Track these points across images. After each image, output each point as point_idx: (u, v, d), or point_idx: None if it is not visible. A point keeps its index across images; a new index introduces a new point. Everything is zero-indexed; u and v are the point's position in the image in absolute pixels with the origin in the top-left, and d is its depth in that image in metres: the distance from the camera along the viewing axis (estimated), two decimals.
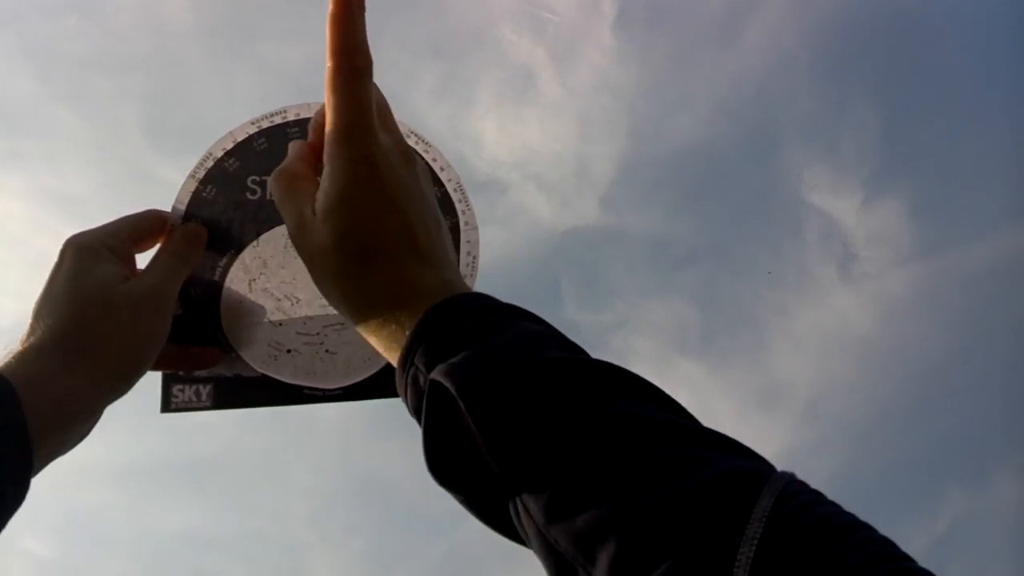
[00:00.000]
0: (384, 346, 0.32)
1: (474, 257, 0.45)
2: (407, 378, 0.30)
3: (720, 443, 0.26)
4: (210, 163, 0.40)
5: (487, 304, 0.31)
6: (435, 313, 0.30)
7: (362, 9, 0.32)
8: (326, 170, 0.32)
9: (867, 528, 0.22)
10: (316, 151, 0.35)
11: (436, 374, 0.28)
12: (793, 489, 0.23)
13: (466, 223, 0.45)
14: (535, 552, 0.26)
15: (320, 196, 0.32)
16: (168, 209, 0.40)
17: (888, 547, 0.21)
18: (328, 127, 0.32)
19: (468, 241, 0.45)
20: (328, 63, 0.32)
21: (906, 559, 0.21)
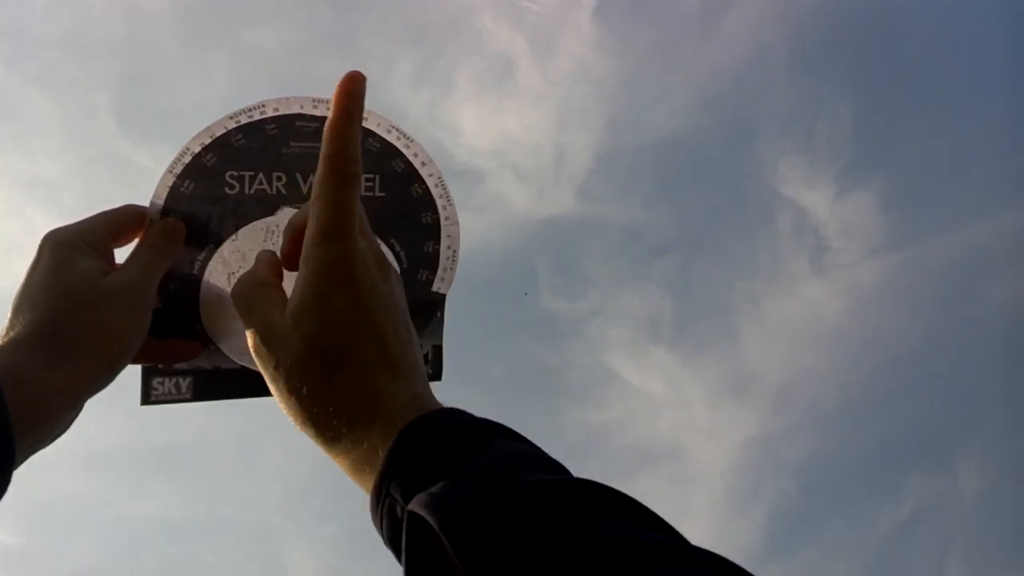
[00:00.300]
0: (354, 469, 0.31)
1: (454, 251, 0.45)
2: (382, 508, 0.29)
3: (714, 565, 0.25)
4: (188, 158, 0.40)
5: (462, 421, 0.31)
6: (408, 435, 0.30)
7: (360, 120, 0.33)
8: (302, 271, 0.32)
9: None
10: (287, 259, 0.36)
11: (415, 506, 0.27)
12: None
13: (447, 218, 0.45)
14: None
15: (294, 297, 0.32)
16: (144, 203, 0.40)
17: None
18: (311, 228, 0.33)
19: (449, 236, 0.45)
20: (320, 167, 0.33)
21: None
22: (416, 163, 0.43)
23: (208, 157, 0.40)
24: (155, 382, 0.42)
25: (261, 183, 0.41)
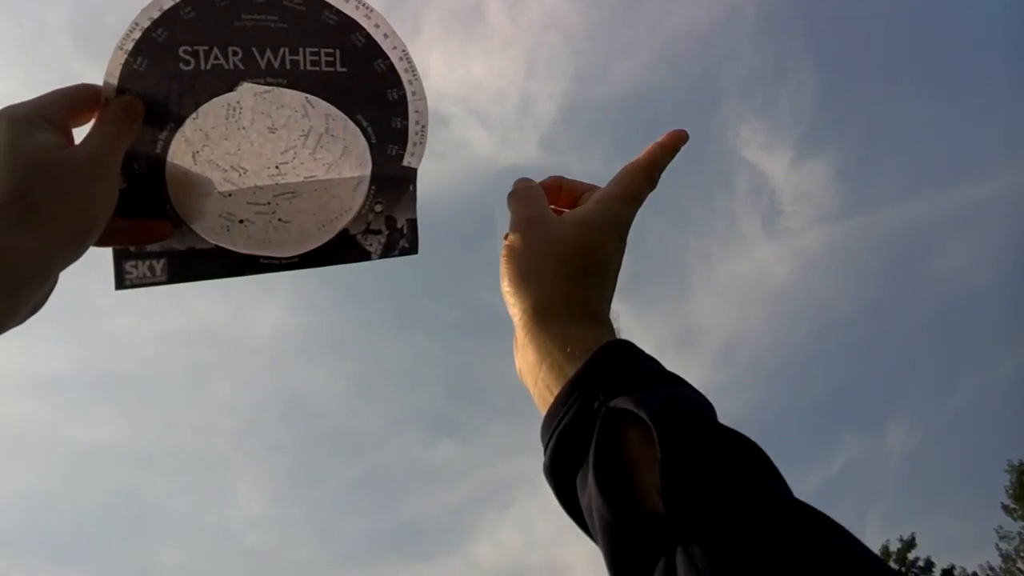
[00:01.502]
0: (541, 355, 0.36)
1: (423, 126, 0.45)
2: (575, 400, 0.32)
3: (857, 541, 0.27)
4: (137, 33, 0.38)
5: (650, 356, 0.35)
6: (612, 350, 0.34)
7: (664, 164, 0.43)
8: (605, 208, 0.40)
9: None
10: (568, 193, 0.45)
11: (624, 402, 0.30)
12: None
13: (413, 93, 0.44)
14: None
15: (592, 214, 0.40)
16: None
17: None
18: (626, 187, 0.41)
19: (417, 111, 0.45)
20: (646, 162, 0.42)
21: None
22: (378, 36, 0.43)
23: (159, 32, 0.38)
24: (128, 265, 0.41)
25: (217, 58, 0.40)
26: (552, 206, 0.43)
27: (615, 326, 0.38)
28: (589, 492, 0.30)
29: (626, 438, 0.30)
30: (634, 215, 0.41)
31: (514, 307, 0.38)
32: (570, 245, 0.38)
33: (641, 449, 0.29)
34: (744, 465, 0.29)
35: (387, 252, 0.47)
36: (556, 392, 0.34)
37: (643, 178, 0.42)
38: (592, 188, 0.43)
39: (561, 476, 0.32)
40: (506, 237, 0.41)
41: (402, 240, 0.47)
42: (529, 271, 0.38)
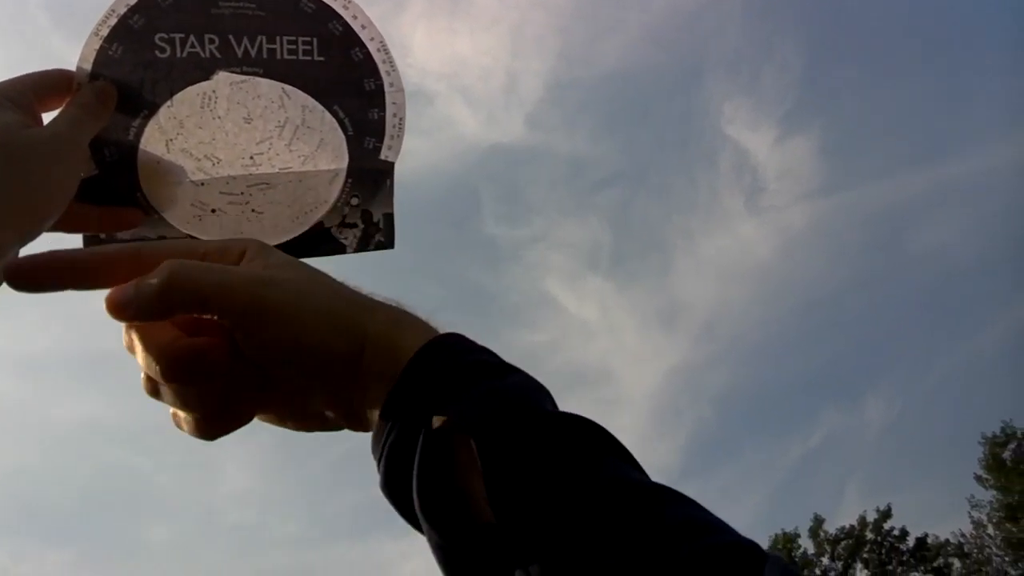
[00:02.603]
0: (359, 375, 0.30)
1: (400, 119, 0.44)
2: (395, 417, 0.29)
3: (700, 507, 0.27)
4: (113, 20, 0.38)
5: (473, 345, 0.31)
6: (428, 352, 0.30)
7: None
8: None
9: None
10: None
11: (441, 414, 0.28)
12: (793, 569, 0.25)
13: (391, 84, 0.44)
14: None
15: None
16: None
17: None
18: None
19: (394, 103, 0.44)
20: None
21: None
22: (356, 26, 0.42)
23: (135, 19, 0.38)
24: None
25: (193, 46, 0.39)
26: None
27: (394, 303, 0.33)
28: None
29: (455, 448, 0.28)
30: None
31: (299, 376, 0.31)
32: (301, 282, 0.32)
33: (468, 458, 0.27)
34: (576, 451, 0.27)
35: (362, 246, 0.47)
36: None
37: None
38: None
39: (400, 498, 0.29)
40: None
41: (378, 234, 0.47)
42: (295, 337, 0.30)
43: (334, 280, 0.33)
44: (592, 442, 0.28)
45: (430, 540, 0.28)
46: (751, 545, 0.25)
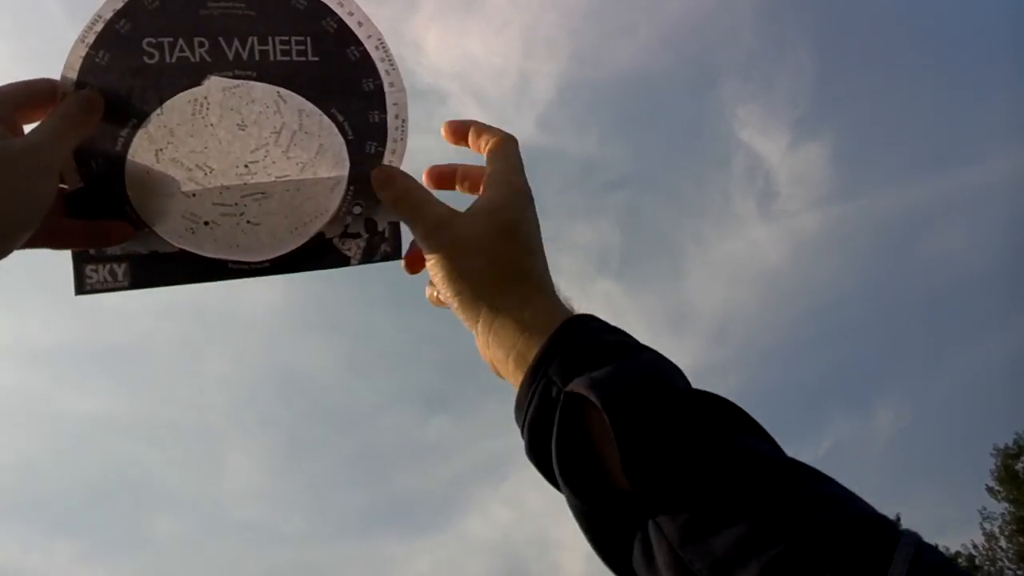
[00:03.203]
0: (503, 345, 0.35)
1: (403, 120, 0.42)
2: (536, 387, 0.31)
3: (835, 482, 0.27)
4: (100, 26, 0.36)
5: (609, 325, 0.34)
6: (571, 327, 0.32)
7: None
8: (503, 184, 0.39)
9: None
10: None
11: (576, 386, 0.30)
12: (928, 545, 0.24)
13: (391, 84, 0.42)
14: (661, 571, 0.27)
15: (495, 198, 0.39)
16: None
17: None
18: (507, 162, 0.41)
19: (395, 104, 0.42)
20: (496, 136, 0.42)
21: None
22: (351, 23, 0.40)
23: (122, 24, 0.37)
24: (88, 269, 0.39)
25: (182, 50, 0.38)
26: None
27: (563, 296, 0.37)
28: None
29: (589, 420, 0.29)
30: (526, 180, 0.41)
31: (463, 312, 0.37)
32: (494, 234, 0.37)
33: (603, 429, 0.28)
34: (707, 426, 0.28)
35: (367, 258, 0.44)
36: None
37: (513, 146, 0.42)
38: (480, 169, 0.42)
39: (544, 463, 0.31)
40: (416, 244, 0.41)
41: (384, 245, 0.44)
42: (463, 274, 0.37)
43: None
44: (723, 416, 0.29)
45: (570, 503, 0.30)
46: (885, 519, 0.25)
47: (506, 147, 0.41)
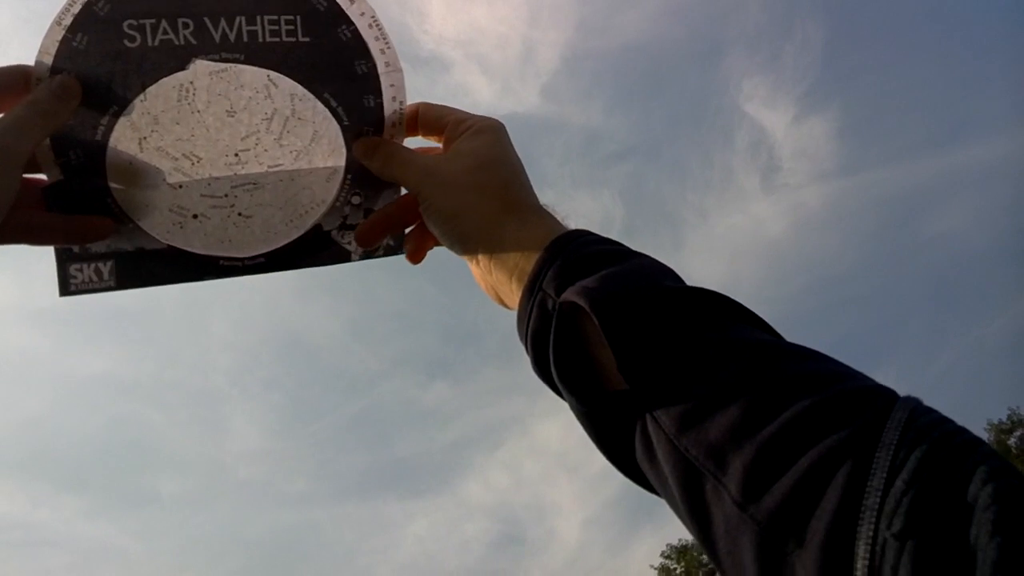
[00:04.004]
0: (506, 268, 0.35)
1: (401, 103, 0.40)
2: (533, 302, 0.32)
3: (836, 362, 0.27)
4: (77, 7, 0.34)
5: (601, 237, 0.34)
6: (562, 241, 0.33)
7: None
8: (486, 133, 0.39)
9: (990, 446, 0.22)
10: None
11: (568, 295, 0.30)
12: (925, 407, 0.23)
13: (387, 64, 0.39)
14: (661, 463, 0.27)
15: (482, 146, 0.39)
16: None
17: (1010, 466, 0.21)
18: (473, 119, 0.40)
19: (392, 85, 0.40)
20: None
21: None
22: (343, 2, 0.38)
23: (101, 5, 0.34)
24: (72, 269, 0.38)
25: (166, 32, 0.35)
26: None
27: (561, 216, 0.38)
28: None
29: (584, 326, 0.30)
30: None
31: (463, 248, 0.37)
32: (480, 169, 0.38)
33: (598, 334, 0.29)
34: (697, 319, 0.29)
35: (369, 252, 0.43)
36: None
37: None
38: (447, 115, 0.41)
39: (547, 374, 0.32)
40: (414, 237, 0.42)
41: (388, 238, 0.42)
42: (459, 211, 0.37)
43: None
44: (715, 309, 0.29)
45: (572, 408, 0.31)
46: (884, 390, 0.25)
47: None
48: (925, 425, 0.22)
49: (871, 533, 0.20)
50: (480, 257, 0.36)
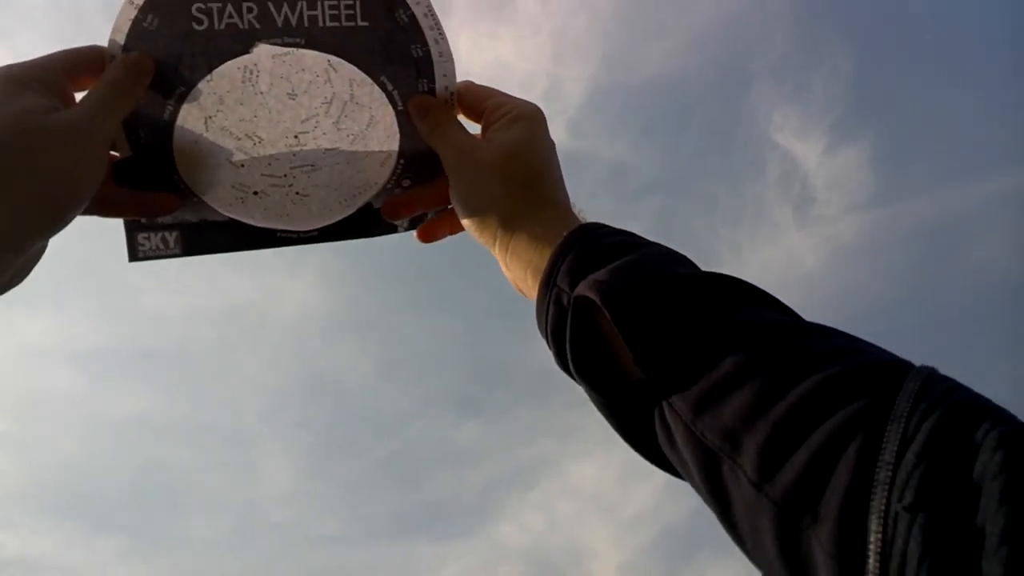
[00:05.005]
0: (523, 264, 0.36)
1: (452, 93, 0.41)
2: (549, 298, 0.32)
3: (851, 337, 0.27)
4: None
5: (615, 229, 0.34)
6: (574, 236, 0.33)
7: None
8: (520, 122, 0.39)
9: (1006, 411, 0.22)
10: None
11: (581, 289, 0.30)
12: (940, 376, 0.23)
13: (440, 54, 0.40)
14: (681, 449, 0.27)
15: (509, 135, 0.39)
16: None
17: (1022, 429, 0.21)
18: (517, 100, 0.40)
19: (444, 75, 0.41)
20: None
21: None
22: None
23: None
24: (140, 238, 0.39)
25: (231, 16, 0.37)
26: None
27: (578, 209, 0.38)
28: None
29: (599, 319, 0.30)
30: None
31: (482, 235, 0.38)
32: (506, 157, 0.38)
33: (611, 326, 0.29)
34: (709, 304, 0.29)
35: (413, 227, 0.44)
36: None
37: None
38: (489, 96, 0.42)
39: (568, 368, 0.32)
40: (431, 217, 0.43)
41: (431, 213, 0.44)
42: (481, 198, 0.38)
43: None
44: (728, 293, 0.29)
45: (593, 400, 0.31)
46: (899, 361, 0.24)
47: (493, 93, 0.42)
48: (938, 394, 0.22)
49: (883, 507, 0.20)
50: (497, 251, 0.37)
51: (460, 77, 0.41)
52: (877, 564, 0.20)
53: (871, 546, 0.20)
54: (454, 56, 0.40)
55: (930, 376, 0.23)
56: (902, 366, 0.24)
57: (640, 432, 0.30)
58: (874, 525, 0.20)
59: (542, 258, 0.34)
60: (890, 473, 0.20)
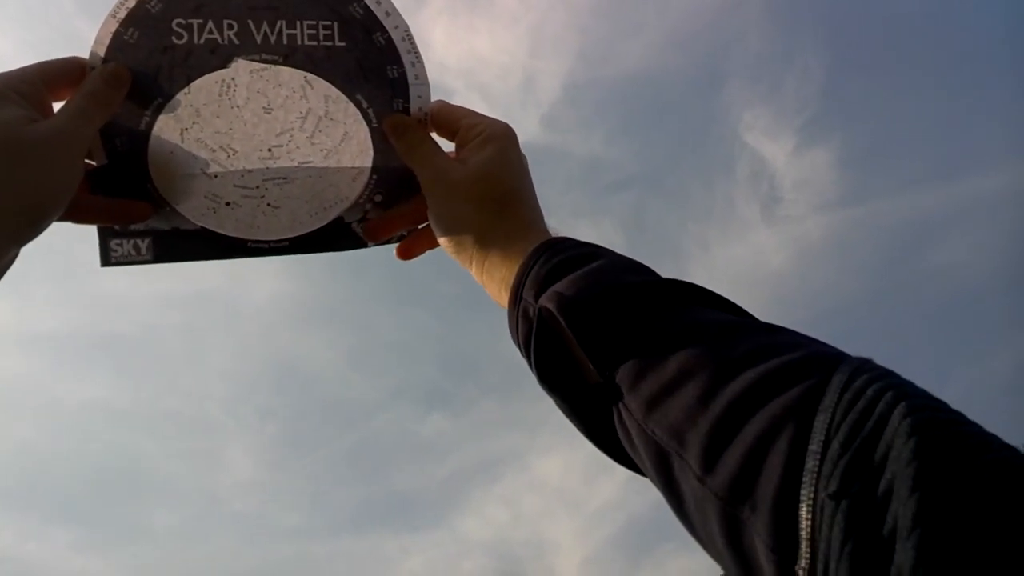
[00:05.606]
0: (497, 282, 0.37)
1: (426, 114, 0.42)
2: (517, 312, 0.34)
3: (794, 334, 0.28)
4: (132, 2, 0.37)
5: (579, 242, 0.36)
6: (537, 252, 0.35)
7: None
8: (493, 143, 0.40)
9: (934, 398, 0.22)
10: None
11: (544, 301, 0.32)
12: (868, 365, 0.24)
13: (416, 77, 0.41)
14: (638, 447, 0.28)
15: (481, 155, 0.40)
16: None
17: (951, 413, 0.22)
18: (491, 120, 0.42)
19: (419, 97, 0.42)
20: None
21: (966, 423, 0.22)
22: (379, 12, 0.40)
23: (153, 3, 0.37)
24: (113, 243, 0.40)
25: (211, 32, 0.38)
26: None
27: (552, 228, 0.39)
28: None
29: (562, 328, 0.31)
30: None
31: (458, 255, 0.40)
32: (480, 180, 0.39)
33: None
34: (658, 308, 0.30)
35: (385, 242, 0.45)
36: None
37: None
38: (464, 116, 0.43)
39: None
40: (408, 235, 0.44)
41: (410, 235, 0.45)
42: (456, 219, 0.39)
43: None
44: (678, 297, 0.31)
45: (559, 406, 0.33)
46: (835, 353, 0.25)
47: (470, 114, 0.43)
48: (863, 384, 0.22)
49: (811, 496, 0.21)
50: (474, 269, 0.39)
51: (434, 71, 0.42)
52: (808, 551, 0.21)
53: (802, 533, 0.21)
54: (428, 67, 0.41)
55: (860, 367, 0.24)
56: (836, 358, 0.24)
57: (605, 434, 0.31)
58: (804, 513, 0.21)
59: (512, 273, 0.36)
60: (817, 463, 0.21)
